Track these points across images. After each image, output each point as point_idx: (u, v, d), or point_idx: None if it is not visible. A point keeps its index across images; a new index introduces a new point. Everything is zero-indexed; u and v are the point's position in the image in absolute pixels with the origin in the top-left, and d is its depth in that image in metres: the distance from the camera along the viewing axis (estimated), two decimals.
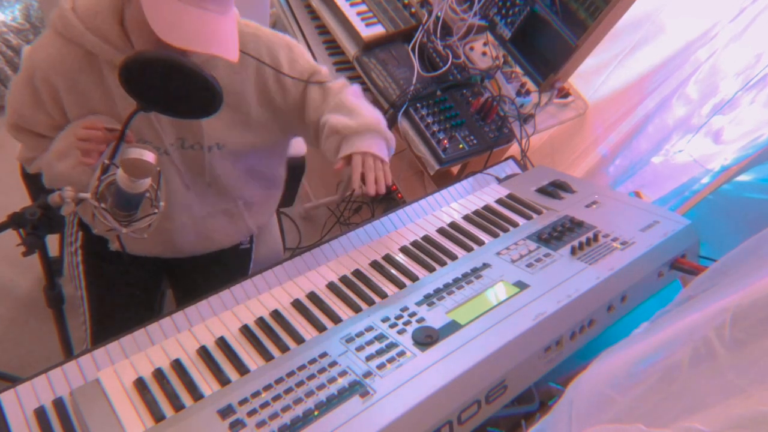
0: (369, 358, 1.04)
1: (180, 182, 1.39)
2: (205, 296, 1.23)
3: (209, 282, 1.31)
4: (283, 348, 1.10)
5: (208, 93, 1.10)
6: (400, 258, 1.32)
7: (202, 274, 1.59)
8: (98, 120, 1.22)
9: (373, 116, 1.34)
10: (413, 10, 2.09)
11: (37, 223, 1.21)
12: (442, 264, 1.29)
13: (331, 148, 1.34)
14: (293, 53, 1.37)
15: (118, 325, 1.17)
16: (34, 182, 1.79)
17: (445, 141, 1.79)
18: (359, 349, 1.06)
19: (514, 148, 1.92)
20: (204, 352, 1.10)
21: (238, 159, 1.42)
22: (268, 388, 0.99)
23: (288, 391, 0.98)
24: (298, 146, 1.79)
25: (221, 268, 1.60)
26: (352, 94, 1.40)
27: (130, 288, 1.55)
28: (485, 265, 1.25)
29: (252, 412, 0.95)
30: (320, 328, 1.15)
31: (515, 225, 1.40)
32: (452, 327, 1.09)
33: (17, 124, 1.30)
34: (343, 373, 1.01)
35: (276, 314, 1.18)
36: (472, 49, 2.03)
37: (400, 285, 1.24)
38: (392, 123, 1.88)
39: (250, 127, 1.38)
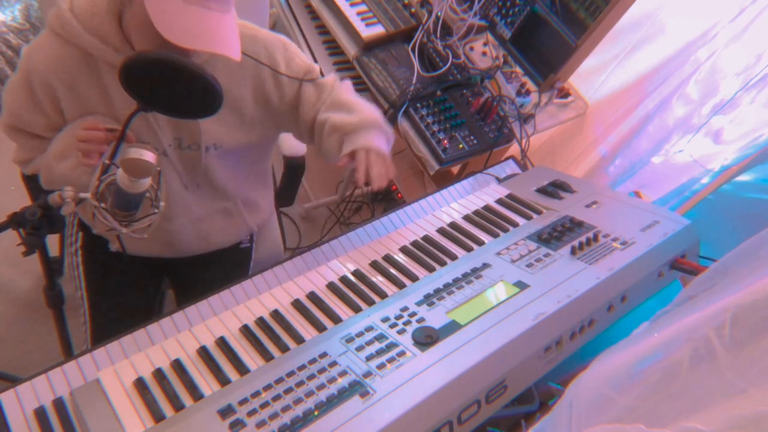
0: (369, 358, 1.04)
1: (179, 182, 1.39)
2: (205, 296, 1.23)
3: (210, 281, 1.31)
4: (283, 348, 1.10)
5: (209, 93, 1.10)
6: (400, 258, 1.32)
7: (203, 273, 1.59)
8: (98, 121, 1.22)
9: (372, 112, 1.36)
10: (413, 10, 2.09)
11: (38, 222, 1.21)
12: (442, 264, 1.29)
13: (333, 146, 1.35)
14: (289, 52, 1.38)
15: (118, 326, 1.17)
16: (34, 182, 1.79)
17: (445, 141, 1.79)
18: (359, 349, 1.06)
19: (514, 148, 1.92)
20: (204, 352, 1.10)
21: (232, 158, 1.43)
22: (268, 388, 0.99)
23: (288, 391, 0.98)
24: (298, 146, 1.79)
25: (221, 268, 1.60)
26: (347, 90, 1.42)
27: (130, 289, 1.55)
28: (485, 265, 1.25)
29: (252, 412, 0.95)
30: (320, 328, 1.15)
31: (515, 225, 1.40)
32: (452, 327, 1.09)
33: (14, 126, 1.30)
34: (343, 373, 1.01)
35: (276, 314, 1.18)
36: (472, 49, 2.03)
37: (400, 285, 1.24)
38: (392, 123, 1.88)
39: (246, 126, 1.39)
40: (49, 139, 1.29)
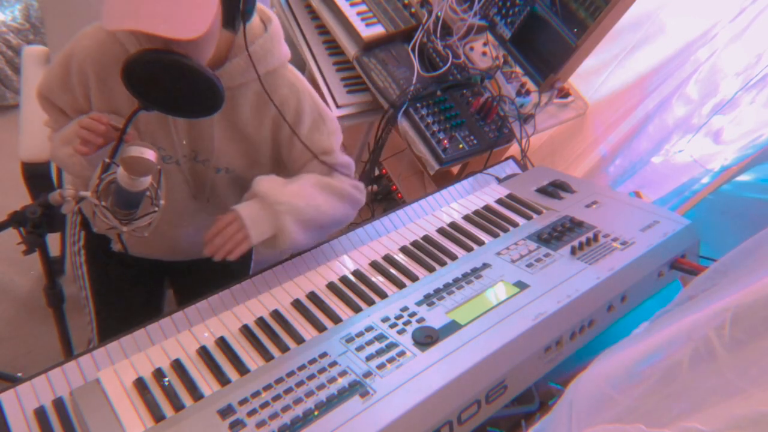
0: (369, 358, 1.04)
1: (187, 192, 1.40)
2: (205, 296, 1.23)
3: (210, 282, 1.31)
4: (283, 348, 1.10)
5: (209, 92, 1.10)
6: (400, 258, 1.32)
7: (203, 274, 1.59)
8: (105, 115, 1.23)
9: (292, 200, 1.26)
10: (413, 10, 2.09)
11: (38, 221, 1.21)
12: (442, 264, 1.29)
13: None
14: (320, 123, 1.34)
15: (124, 323, 1.18)
16: (34, 182, 1.80)
17: (445, 141, 1.79)
18: (359, 349, 1.06)
19: (514, 148, 1.92)
20: (204, 352, 1.10)
21: (241, 181, 1.43)
22: (268, 388, 0.99)
23: (288, 391, 0.98)
24: None
25: (222, 269, 1.60)
26: (326, 183, 1.33)
27: (134, 287, 1.56)
28: (485, 265, 1.25)
29: (252, 412, 0.95)
30: (320, 328, 1.15)
31: (515, 225, 1.40)
32: (452, 327, 1.09)
33: (45, 96, 1.32)
34: (343, 373, 1.01)
35: (276, 314, 1.18)
36: (472, 49, 2.03)
37: (400, 285, 1.24)
38: (392, 123, 1.88)
39: (258, 160, 1.39)
40: (71, 118, 1.31)
